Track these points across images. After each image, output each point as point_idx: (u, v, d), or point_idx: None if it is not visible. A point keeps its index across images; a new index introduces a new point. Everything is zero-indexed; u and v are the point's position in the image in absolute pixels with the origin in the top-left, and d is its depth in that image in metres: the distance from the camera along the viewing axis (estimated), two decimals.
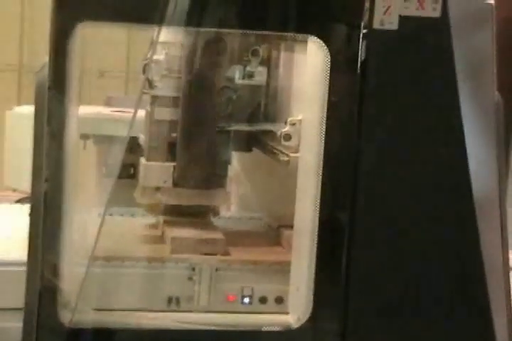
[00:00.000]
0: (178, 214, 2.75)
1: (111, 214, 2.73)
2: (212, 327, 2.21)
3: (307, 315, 2.18)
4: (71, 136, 2.15)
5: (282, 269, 2.50)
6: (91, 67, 2.32)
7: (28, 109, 3.26)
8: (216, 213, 2.81)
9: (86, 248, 2.28)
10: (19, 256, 2.44)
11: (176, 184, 2.64)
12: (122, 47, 5.70)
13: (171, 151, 2.67)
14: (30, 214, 2.16)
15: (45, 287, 2.12)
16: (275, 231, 2.82)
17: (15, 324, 2.22)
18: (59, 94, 2.09)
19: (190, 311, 2.41)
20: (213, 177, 2.67)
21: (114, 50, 5.13)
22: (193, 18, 2.13)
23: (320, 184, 2.15)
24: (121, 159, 2.31)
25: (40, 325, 2.12)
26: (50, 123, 2.09)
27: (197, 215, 2.78)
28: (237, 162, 2.95)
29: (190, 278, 2.46)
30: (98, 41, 2.17)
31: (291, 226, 2.67)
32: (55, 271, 2.13)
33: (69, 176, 2.14)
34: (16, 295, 2.24)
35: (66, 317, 2.13)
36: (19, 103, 5.66)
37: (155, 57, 2.60)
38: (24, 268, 2.28)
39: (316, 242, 2.16)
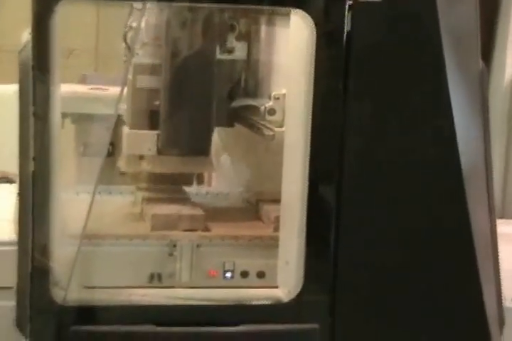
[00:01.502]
0: (161, 183, 2.75)
1: (88, 193, 2.73)
2: (205, 302, 2.22)
3: (298, 289, 2.20)
4: (56, 114, 2.14)
5: (263, 243, 2.53)
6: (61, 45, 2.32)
7: (4, 88, 3.24)
8: (200, 181, 2.81)
9: (65, 226, 2.28)
10: (3, 235, 2.45)
11: (160, 152, 2.63)
12: (91, 25, 5.63)
13: (154, 119, 2.65)
14: (19, 194, 2.15)
15: (36, 266, 2.12)
16: (254, 206, 2.82)
17: (6, 303, 2.23)
18: (43, 74, 2.07)
19: (173, 287, 2.41)
20: (197, 144, 2.66)
21: (82, 27, 5.07)
22: None
23: (307, 158, 2.15)
24: (103, 137, 2.30)
25: (33, 304, 2.13)
26: (35, 102, 2.08)
27: (180, 185, 2.78)
28: (217, 137, 2.95)
29: (171, 255, 2.47)
30: (67, 18, 2.14)
31: (270, 201, 2.69)
32: (45, 250, 2.12)
33: (55, 155, 2.13)
34: (4, 274, 2.25)
35: (58, 296, 2.13)
36: None
37: (134, 24, 2.58)
38: (9, 248, 2.29)
39: (304, 216, 2.17)
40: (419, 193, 2.21)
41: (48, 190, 2.12)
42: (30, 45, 2.07)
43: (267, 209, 2.70)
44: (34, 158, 2.08)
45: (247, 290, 2.35)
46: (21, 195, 2.14)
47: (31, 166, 2.09)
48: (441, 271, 2.24)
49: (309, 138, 2.15)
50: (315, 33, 2.08)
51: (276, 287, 2.31)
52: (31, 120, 2.08)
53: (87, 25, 5.41)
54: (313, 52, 2.10)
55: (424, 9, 2.13)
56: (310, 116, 2.14)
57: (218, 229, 2.59)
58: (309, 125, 2.14)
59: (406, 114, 2.18)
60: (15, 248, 2.18)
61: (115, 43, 2.85)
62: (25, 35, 2.12)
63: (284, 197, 2.34)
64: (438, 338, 2.27)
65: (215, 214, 2.71)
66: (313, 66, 2.11)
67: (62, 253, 2.19)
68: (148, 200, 2.71)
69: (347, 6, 2.09)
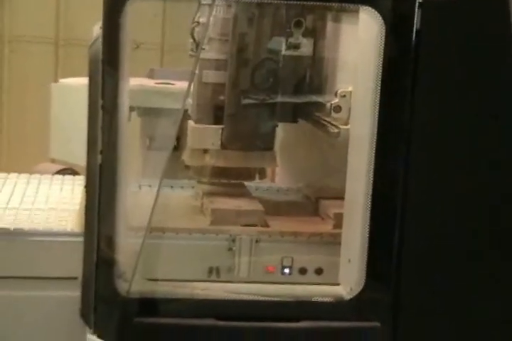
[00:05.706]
0: (223, 178, 2.77)
1: (150, 186, 2.76)
2: (266, 298, 2.23)
3: (360, 287, 2.19)
4: (123, 108, 2.17)
5: (322, 240, 2.53)
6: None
7: (73, 81, 3.29)
8: (263, 176, 2.82)
9: (127, 219, 2.31)
10: (67, 226, 2.49)
11: (224, 146, 2.66)
12: (158, 19, 5.69)
13: (219, 114, 2.67)
14: (86, 187, 2.18)
15: (101, 258, 2.15)
16: (313, 203, 2.82)
17: (71, 293, 2.27)
18: (112, 68, 2.10)
19: (230, 281, 2.43)
20: (261, 139, 2.68)
21: (149, 22, 5.12)
22: None
23: (373, 156, 2.14)
24: (170, 131, 2.32)
25: (97, 295, 2.16)
26: (104, 96, 2.11)
27: (242, 180, 2.80)
28: (280, 133, 2.95)
29: (230, 249, 2.49)
30: (134, 12, 2.16)
31: (330, 198, 2.68)
32: (110, 241, 2.15)
33: (122, 148, 2.16)
34: (70, 265, 2.29)
35: (123, 287, 2.16)
36: (56, 75, 5.69)
37: (202, 19, 2.60)
38: (74, 239, 2.32)
39: (368, 214, 2.17)
40: (486, 193, 2.19)
41: (114, 182, 2.14)
42: (100, 39, 2.10)
43: (327, 205, 2.70)
44: (101, 152, 2.11)
45: (308, 286, 2.35)
46: (88, 187, 2.17)
47: (99, 159, 2.12)
48: (506, 271, 2.22)
49: (375, 136, 2.14)
50: (384, 30, 2.07)
51: (335, 284, 2.31)
52: (100, 113, 2.11)
53: (153, 20, 5.47)
54: (382, 50, 2.09)
55: (495, 6, 2.10)
56: (377, 114, 2.13)
57: (277, 225, 2.60)
58: (376, 123, 2.13)
59: (474, 112, 2.16)
60: (81, 239, 2.22)
61: (181, 38, 2.87)
62: (96, 30, 2.15)
63: (348, 194, 2.33)
64: (503, 338, 2.24)
65: (275, 209, 2.72)
66: (381, 64, 2.10)
67: (126, 246, 2.21)
68: (209, 195, 2.73)
69: (417, 4, 2.08)
